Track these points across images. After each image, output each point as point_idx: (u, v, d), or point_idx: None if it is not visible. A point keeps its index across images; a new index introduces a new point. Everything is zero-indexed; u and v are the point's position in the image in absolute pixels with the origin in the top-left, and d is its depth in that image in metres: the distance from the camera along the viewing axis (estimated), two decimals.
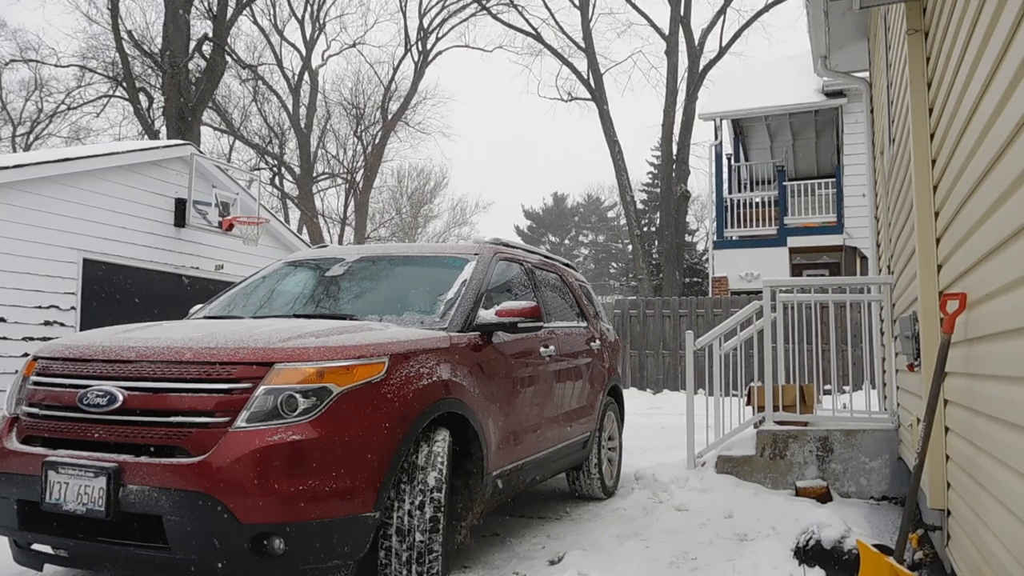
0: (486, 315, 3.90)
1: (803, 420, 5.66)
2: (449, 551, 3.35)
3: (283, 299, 4.34)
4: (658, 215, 28.38)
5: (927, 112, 3.61)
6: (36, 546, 3.04)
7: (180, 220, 10.50)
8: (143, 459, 2.77)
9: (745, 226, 16.70)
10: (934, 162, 3.55)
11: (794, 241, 15.85)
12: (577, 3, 24.60)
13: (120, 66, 22.25)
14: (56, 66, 25.18)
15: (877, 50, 5.98)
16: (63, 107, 26.29)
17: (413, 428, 3.10)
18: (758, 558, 3.77)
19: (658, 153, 27.60)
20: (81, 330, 8.74)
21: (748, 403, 6.37)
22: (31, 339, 8.41)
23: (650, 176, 38.59)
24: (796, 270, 16.32)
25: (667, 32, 23.18)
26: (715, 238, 16.94)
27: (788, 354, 5.70)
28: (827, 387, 8.07)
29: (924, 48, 3.66)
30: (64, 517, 2.84)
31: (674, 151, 22.62)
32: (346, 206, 32.08)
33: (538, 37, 25.89)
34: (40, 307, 8.66)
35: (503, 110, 68.26)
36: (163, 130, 20.08)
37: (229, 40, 21.88)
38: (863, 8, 4.37)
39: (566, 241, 50.62)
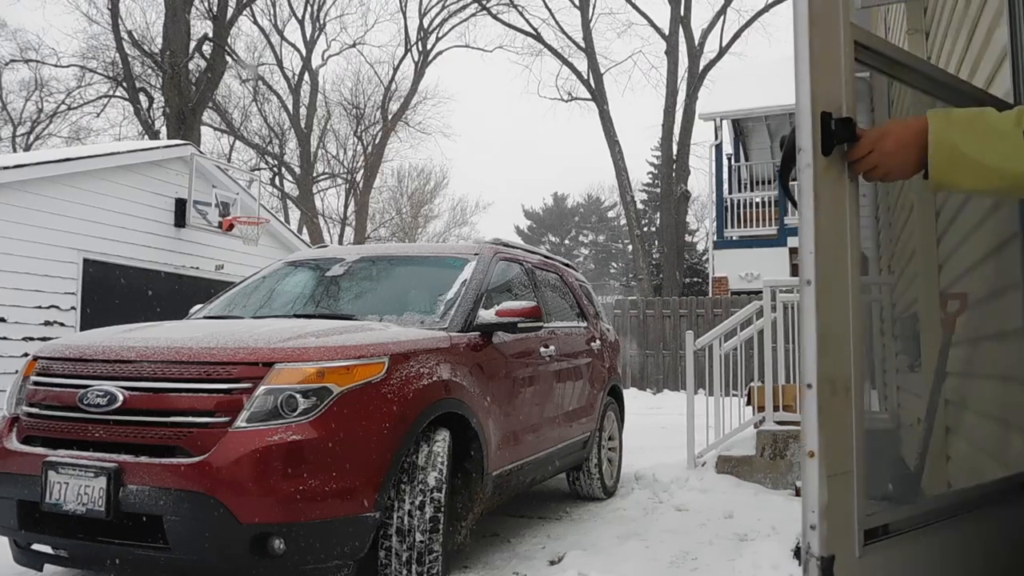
0: (486, 315, 3.89)
1: None
2: (449, 551, 3.35)
3: (283, 299, 4.34)
4: (658, 215, 28.38)
5: None
6: (36, 546, 3.04)
7: (180, 220, 10.49)
8: (143, 459, 2.76)
9: (745, 226, 16.71)
10: None
11: (794, 241, 15.85)
12: (577, 3, 24.59)
13: (120, 66, 22.24)
14: (56, 66, 25.18)
15: None
16: (63, 107, 26.29)
17: (413, 428, 3.10)
18: (758, 558, 3.77)
19: (658, 153, 27.59)
20: (81, 330, 8.74)
21: (748, 403, 6.38)
22: (31, 339, 8.40)
23: (650, 176, 38.59)
24: (796, 270, 16.31)
25: (667, 32, 23.18)
26: (715, 238, 16.95)
27: (788, 354, 5.70)
28: None
29: (925, 48, 3.66)
30: (64, 517, 2.83)
31: (674, 151, 22.62)
32: (346, 206, 32.09)
33: (538, 37, 25.90)
34: (40, 307, 8.65)
35: (503, 110, 68.32)
36: (163, 130, 20.07)
37: (229, 40, 21.87)
38: (863, 8, 4.37)
39: (566, 241, 50.61)
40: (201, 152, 11.72)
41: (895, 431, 5.33)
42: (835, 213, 1.27)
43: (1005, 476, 1.88)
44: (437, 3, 28.79)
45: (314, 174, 30.30)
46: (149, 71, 22.52)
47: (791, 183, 1.38)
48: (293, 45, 37.65)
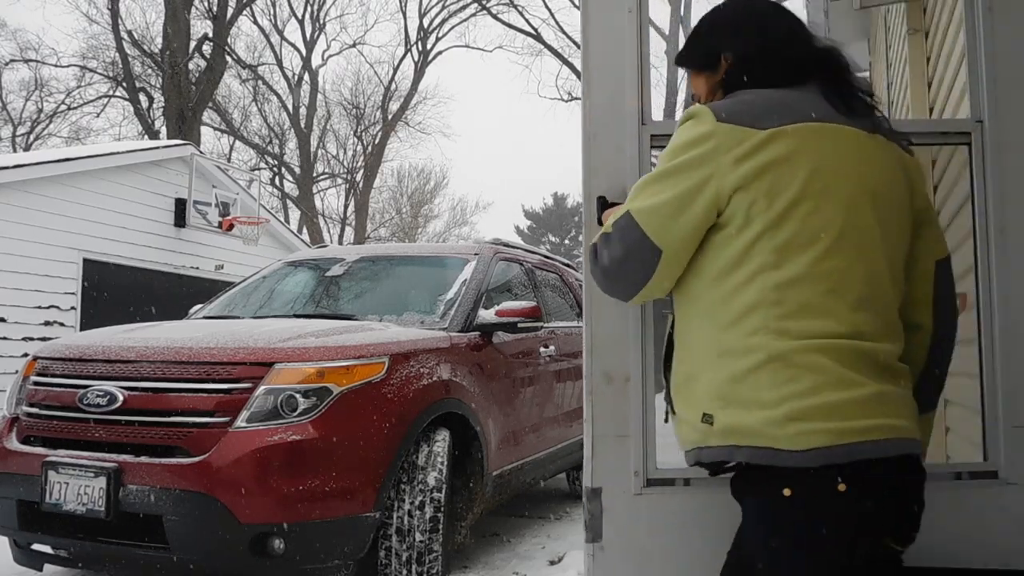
0: (486, 315, 3.90)
1: None
2: (449, 551, 3.35)
3: (283, 299, 4.35)
4: None
5: (928, 113, 3.61)
6: (36, 546, 3.05)
7: (180, 220, 10.49)
8: (143, 459, 2.77)
9: None
10: (934, 163, 3.55)
11: None
12: (577, 3, 24.59)
13: (120, 66, 22.21)
14: (56, 66, 25.09)
15: (877, 50, 5.98)
16: (63, 107, 26.18)
17: (413, 428, 3.10)
18: None
19: (658, 153, 27.56)
20: (81, 330, 8.74)
21: None
22: (31, 339, 8.39)
23: None
24: None
25: (667, 32, 23.19)
26: None
27: None
28: None
29: (924, 48, 3.66)
30: (64, 517, 2.83)
31: None
32: (346, 206, 32.07)
33: (538, 37, 25.87)
34: (40, 307, 8.65)
35: (503, 110, 68.25)
36: (163, 130, 20.05)
37: (229, 40, 21.87)
38: (863, 8, 4.37)
39: (566, 241, 50.60)
40: (201, 152, 11.72)
41: None
42: None
43: None
44: (437, 3, 28.77)
45: (314, 174, 30.29)
46: (149, 71, 22.50)
47: None
48: (293, 45, 37.54)
